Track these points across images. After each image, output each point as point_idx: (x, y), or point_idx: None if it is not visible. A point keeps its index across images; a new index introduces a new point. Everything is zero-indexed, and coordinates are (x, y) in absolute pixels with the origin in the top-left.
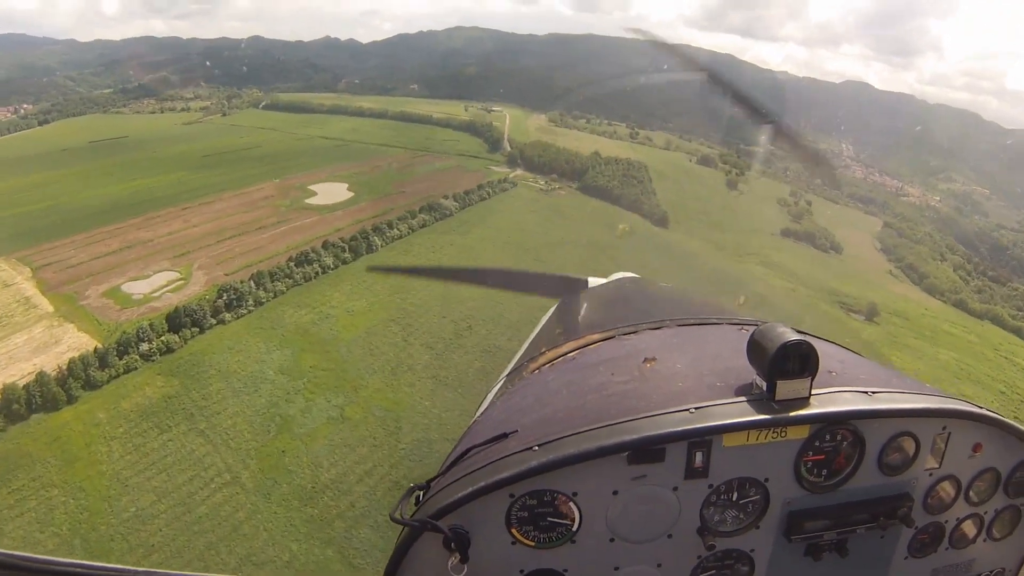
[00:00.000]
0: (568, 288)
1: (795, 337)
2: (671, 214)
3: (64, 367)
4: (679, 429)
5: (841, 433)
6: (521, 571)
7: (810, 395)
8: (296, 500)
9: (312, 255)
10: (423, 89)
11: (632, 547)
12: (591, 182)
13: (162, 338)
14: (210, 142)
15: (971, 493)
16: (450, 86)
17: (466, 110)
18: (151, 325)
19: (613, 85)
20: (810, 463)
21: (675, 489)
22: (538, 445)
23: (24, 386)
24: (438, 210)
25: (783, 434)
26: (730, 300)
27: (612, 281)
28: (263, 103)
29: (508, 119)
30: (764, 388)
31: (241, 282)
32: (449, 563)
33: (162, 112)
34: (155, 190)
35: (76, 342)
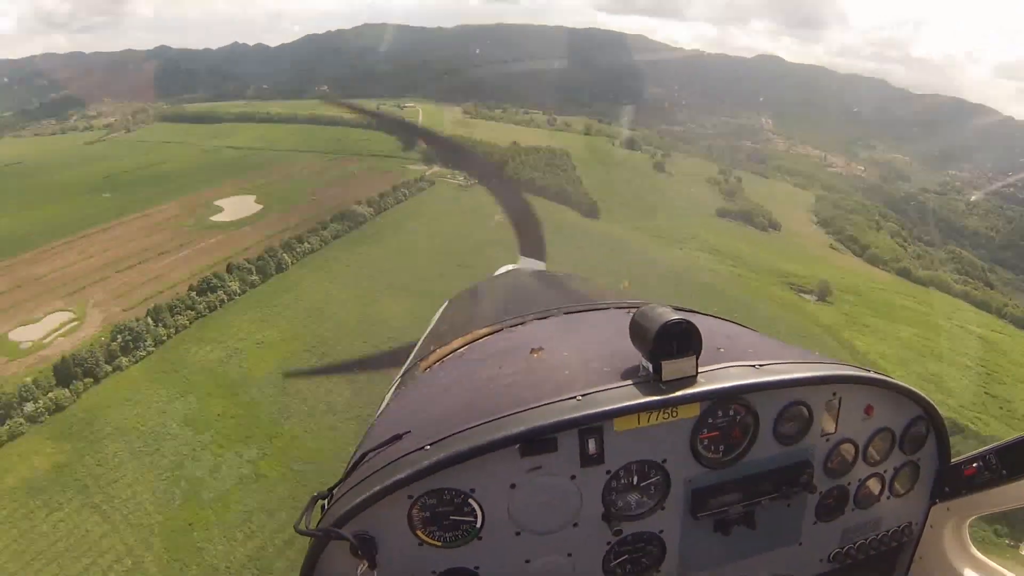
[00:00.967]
0: (531, 246)
1: (675, 316)
2: (600, 203)
3: None
4: (567, 417)
5: (733, 408)
6: (433, 572)
7: (697, 373)
8: None
9: (216, 281)
10: (334, 90)
11: (540, 539)
12: (512, 174)
13: (50, 395)
14: (112, 162)
15: (869, 453)
16: (361, 85)
17: (378, 108)
18: (35, 381)
19: (525, 72)
20: (706, 440)
21: (573, 478)
22: (430, 444)
23: None
24: (351, 218)
25: (674, 414)
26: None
27: (500, 274)
28: (166, 116)
29: (420, 114)
30: (650, 370)
31: (137, 320)
32: (359, 570)
33: (64, 133)
34: (49, 219)
35: None
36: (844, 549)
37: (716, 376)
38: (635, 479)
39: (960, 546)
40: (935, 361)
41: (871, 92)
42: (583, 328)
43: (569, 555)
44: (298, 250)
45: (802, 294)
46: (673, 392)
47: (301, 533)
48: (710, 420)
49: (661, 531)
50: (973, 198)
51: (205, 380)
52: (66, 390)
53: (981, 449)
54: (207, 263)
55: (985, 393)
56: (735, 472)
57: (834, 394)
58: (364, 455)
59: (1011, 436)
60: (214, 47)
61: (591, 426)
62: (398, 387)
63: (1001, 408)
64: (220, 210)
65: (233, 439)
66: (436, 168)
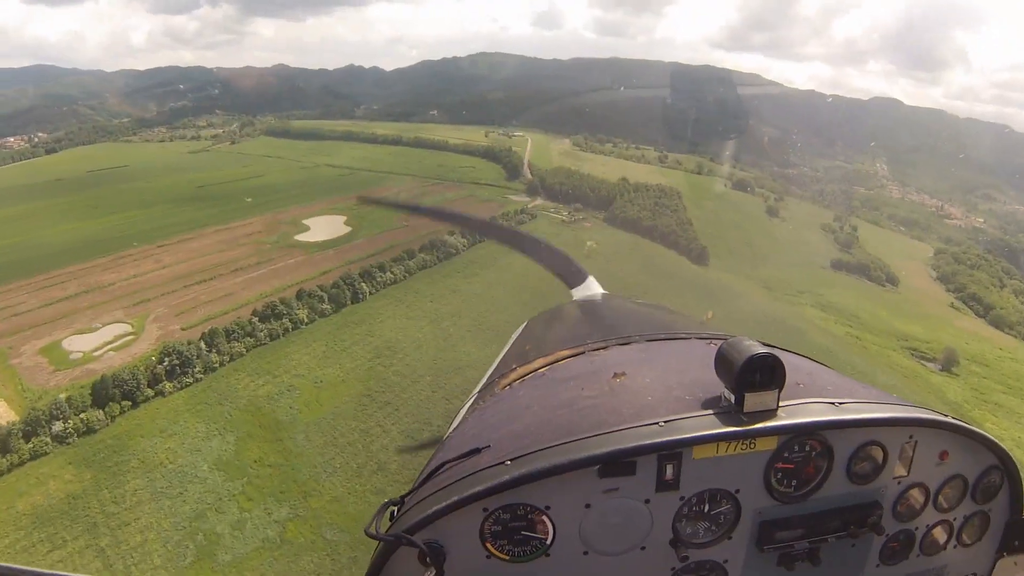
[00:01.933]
0: (569, 275)
1: (762, 350)
2: (710, 247)
3: None
4: (649, 442)
5: (810, 443)
6: None
7: (778, 407)
8: None
9: (281, 307)
10: (443, 115)
11: (606, 559)
12: (619, 212)
13: (82, 415)
14: (210, 172)
15: (940, 500)
16: (471, 111)
17: (486, 135)
18: (69, 399)
19: (637, 107)
20: (780, 473)
21: (647, 502)
22: (510, 459)
23: None
24: (442, 248)
25: (752, 446)
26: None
27: (582, 298)
28: (272, 131)
29: (530, 144)
30: (732, 400)
31: (189, 343)
32: None
33: (172, 141)
34: (135, 224)
35: None
36: None
37: (796, 411)
38: (706, 507)
39: None
40: None
41: (992, 138)
42: (665, 356)
43: None
44: (379, 279)
45: (924, 362)
46: (753, 424)
47: (371, 537)
48: (786, 454)
49: (725, 560)
50: None
51: (249, 418)
52: (100, 411)
53: None
54: (280, 285)
55: None
56: (804, 507)
57: (910, 437)
58: (440, 466)
59: None
60: (331, 68)
61: (671, 452)
62: (475, 403)
63: None
64: (306, 229)
65: (265, 492)
66: (540, 201)
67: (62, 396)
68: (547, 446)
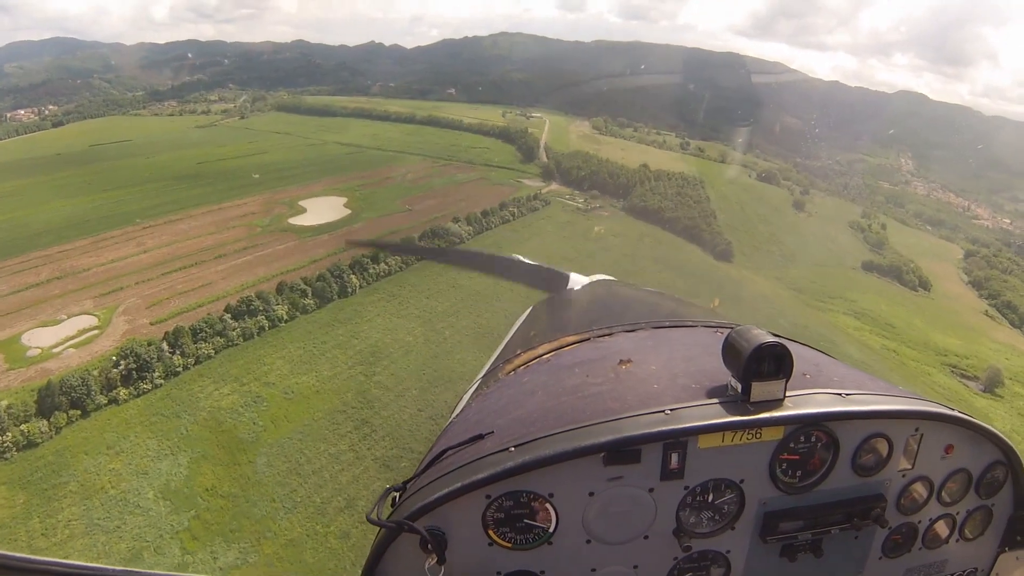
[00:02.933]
0: (550, 282)
1: (770, 339)
2: (735, 242)
3: None
4: (655, 430)
5: (815, 434)
6: (498, 572)
7: (784, 397)
8: None
9: (258, 303)
10: (461, 94)
11: (609, 548)
12: (639, 201)
13: (23, 427)
14: (212, 148)
15: (943, 494)
16: (490, 91)
17: (504, 116)
18: (8, 408)
19: (660, 91)
20: (785, 464)
21: (651, 490)
22: (514, 446)
23: None
24: (443, 236)
25: (758, 435)
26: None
27: (587, 284)
28: (283, 106)
29: (547, 125)
30: (739, 390)
31: (148, 344)
32: (426, 564)
33: (181, 115)
34: (124, 203)
35: None
36: None
37: (803, 401)
38: (711, 497)
39: None
40: None
41: (1019, 137)
42: (671, 344)
43: (635, 567)
44: (371, 271)
45: (965, 380)
46: (759, 413)
47: (373, 523)
48: (791, 445)
49: (728, 551)
50: None
51: (207, 435)
52: (45, 422)
53: None
54: (265, 274)
55: None
56: (808, 499)
57: (916, 430)
58: (443, 452)
59: None
60: (351, 45)
61: (676, 441)
62: (478, 388)
63: None
64: (303, 211)
65: (214, 529)
66: (554, 185)
67: (3, 403)
68: (551, 433)
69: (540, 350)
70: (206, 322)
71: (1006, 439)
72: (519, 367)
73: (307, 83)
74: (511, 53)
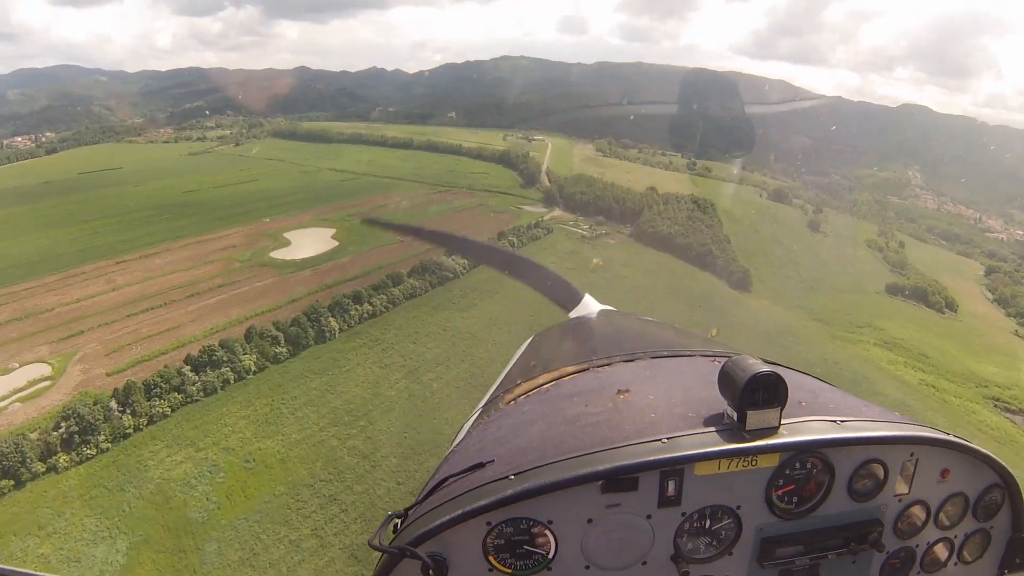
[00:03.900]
0: (565, 299)
1: (764, 369)
2: (751, 269)
3: None
4: (652, 459)
5: (811, 461)
6: None
7: (780, 424)
8: None
9: (221, 353)
10: (462, 118)
11: (607, 574)
12: (647, 227)
13: None
14: (202, 176)
15: (941, 517)
16: (492, 114)
17: (504, 139)
18: None
19: (663, 113)
20: (781, 490)
21: (649, 517)
22: (514, 474)
23: None
24: (436, 272)
25: (754, 463)
26: (705, 332)
27: (587, 314)
28: (279, 132)
29: (549, 148)
30: (735, 418)
31: (94, 403)
32: None
33: (177, 142)
34: (102, 235)
35: None
36: None
37: (798, 429)
38: (708, 523)
39: None
40: None
41: None
42: (669, 373)
43: None
44: (353, 312)
45: (1010, 416)
46: (755, 441)
47: (375, 549)
48: (787, 471)
49: None
50: None
51: (153, 513)
52: None
53: None
54: (238, 315)
55: None
56: (805, 524)
57: (911, 455)
58: (444, 479)
59: None
60: (352, 71)
61: (673, 468)
62: (479, 417)
63: None
64: (287, 244)
65: None
66: (557, 212)
67: None
68: (551, 461)
69: (540, 380)
70: (162, 376)
71: (1001, 462)
72: (519, 396)
73: (308, 109)
74: (512, 76)
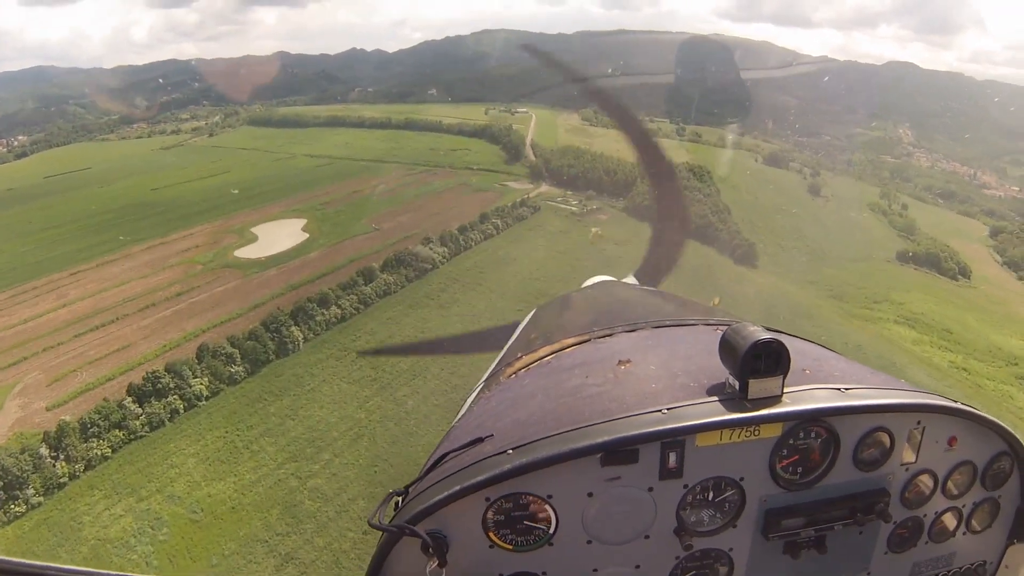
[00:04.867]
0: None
1: (766, 336)
2: (756, 242)
3: None
4: (651, 430)
5: (815, 430)
6: (500, 574)
7: (783, 393)
8: None
9: (167, 380)
10: (443, 94)
11: (610, 549)
12: (641, 200)
13: None
14: (171, 172)
15: (948, 486)
16: (474, 89)
17: (486, 113)
18: None
19: (648, 79)
20: (785, 461)
21: (650, 490)
22: (512, 448)
23: None
24: (412, 264)
25: (756, 433)
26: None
27: (589, 285)
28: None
29: (533, 121)
30: (736, 387)
31: (21, 452)
32: (428, 567)
33: (150, 136)
34: (60, 243)
35: None
36: None
37: (801, 397)
38: (711, 495)
39: None
40: None
41: (1014, 100)
42: (671, 343)
43: (637, 567)
44: (319, 319)
45: None
46: (757, 411)
47: (374, 527)
48: (791, 441)
49: (731, 549)
50: None
51: None
52: None
53: None
54: (194, 328)
55: None
56: (810, 495)
57: (918, 423)
58: (444, 456)
59: None
60: (332, 53)
61: (674, 440)
62: (480, 392)
63: None
64: (254, 240)
65: None
66: (544, 187)
67: None
68: (550, 435)
69: (541, 352)
70: (100, 412)
71: (1010, 429)
72: (520, 370)
73: (287, 94)
74: (493, 50)
